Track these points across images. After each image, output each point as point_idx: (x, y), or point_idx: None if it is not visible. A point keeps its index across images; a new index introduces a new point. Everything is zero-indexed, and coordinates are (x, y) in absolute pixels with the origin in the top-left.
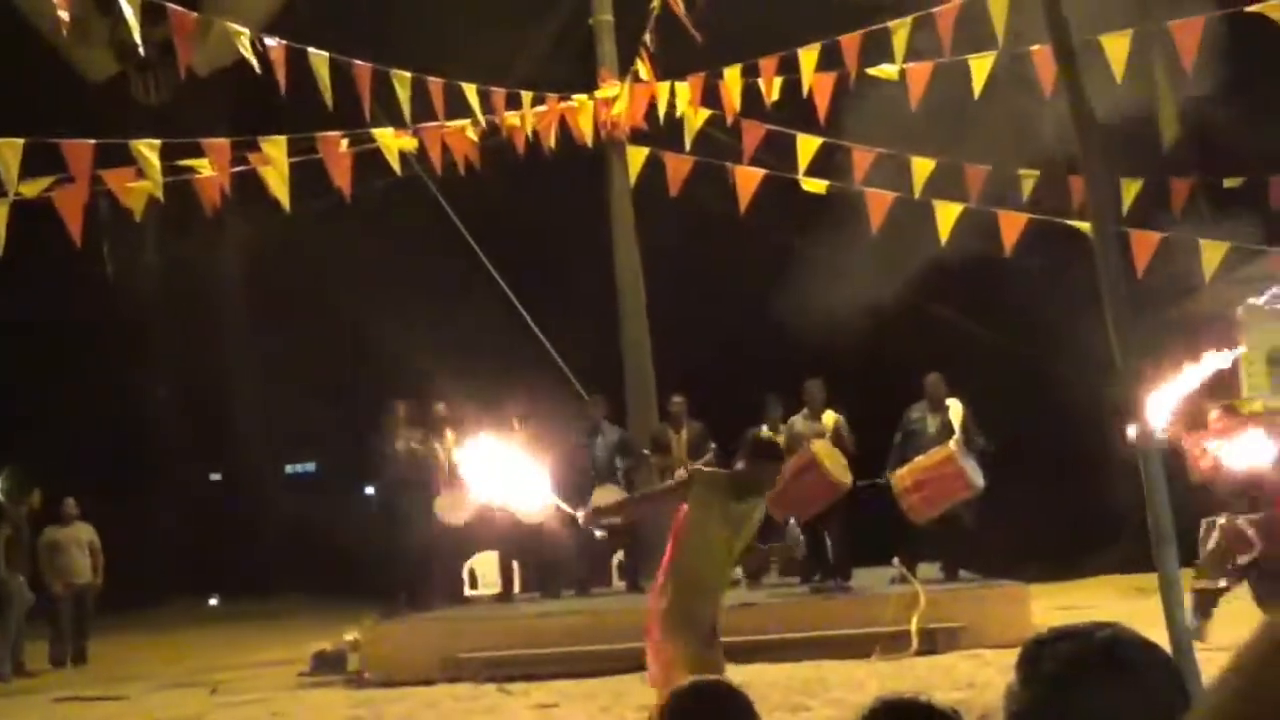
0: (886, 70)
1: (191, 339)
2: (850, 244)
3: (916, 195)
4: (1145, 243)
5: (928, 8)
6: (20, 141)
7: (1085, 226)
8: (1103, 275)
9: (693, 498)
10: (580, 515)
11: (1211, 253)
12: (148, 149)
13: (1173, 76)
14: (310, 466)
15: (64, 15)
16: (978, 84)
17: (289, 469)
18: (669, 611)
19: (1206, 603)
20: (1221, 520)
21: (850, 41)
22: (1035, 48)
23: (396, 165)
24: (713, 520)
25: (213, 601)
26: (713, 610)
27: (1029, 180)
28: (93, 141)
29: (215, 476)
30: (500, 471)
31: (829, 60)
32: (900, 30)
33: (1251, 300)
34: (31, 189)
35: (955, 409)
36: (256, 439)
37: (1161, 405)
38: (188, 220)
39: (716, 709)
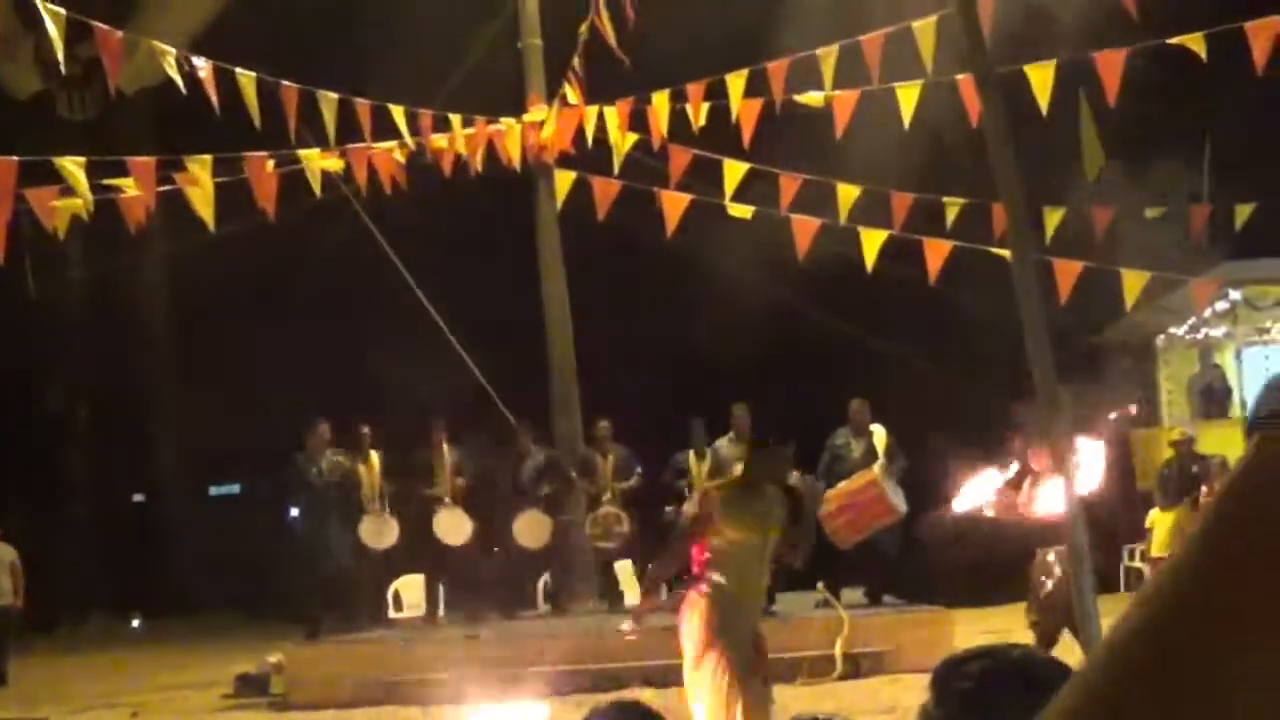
0: (813, 97)
1: (114, 359)
2: (776, 270)
3: (842, 221)
4: (1068, 271)
5: (856, 35)
6: None
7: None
8: (1022, 302)
9: (718, 515)
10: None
11: (1133, 282)
12: (73, 165)
13: (1096, 107)
14: (234, 488)
15: None
16: (906, 112)
17: (213, 490)
18: (709, 625)
19: (1044, 637)
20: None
21: (777, 68)
22: (961, 76)
23: (317, 186)
24: (738, 528)
25: (135, 623)
26: (754, 618)
27: (953, 208)
28: (16, 159)
29: (138, 497)
30: None
31: (756, 86)
32: (828, 58)
33: (1172, 329)
34: None
35: (879, 434)
36: (180, 459)
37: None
38: (111, 238)
39: None
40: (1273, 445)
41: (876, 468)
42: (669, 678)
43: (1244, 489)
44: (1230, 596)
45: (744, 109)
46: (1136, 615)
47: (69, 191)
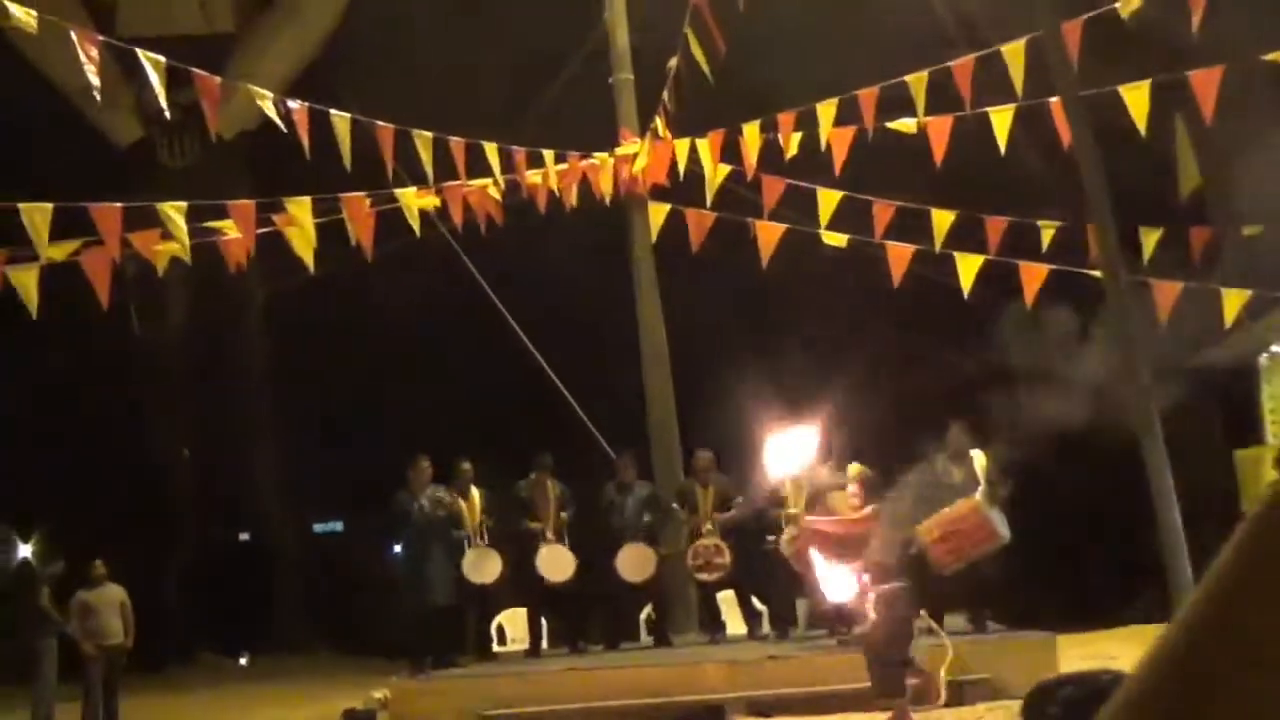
0: (905, 124)
1: (216, 399)
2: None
3: (938, 248)
4: (1167, 292)
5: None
6: (49, 206)
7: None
8: (1117, 324)
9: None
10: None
11: (1233, 301)
12: (174, 211)
13: (1192, 126)
14: (337, 525)
15: (94, 80)
16: (1000, 136)
17: (316, 527)
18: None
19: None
20: None
21: (868, 95)
22: (1054, 100)
23: (416, 225)
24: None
25: (243, 660)
26: None
27: (1048, 231)
28: (120, 205)
29: (244, 536)
30: None
31: (847, 114)
32: (918, 84)
33: (1275, 347)
34: (60, 251)
35: (979, 460)
36: (283, 498)
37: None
38: (213, 281)
39: None
40: None
41: (978, 495)
42: (773, 708)
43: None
44: (1252, 622)
45: (834, 137)
46: (1169, 638)
47: (170, 236)
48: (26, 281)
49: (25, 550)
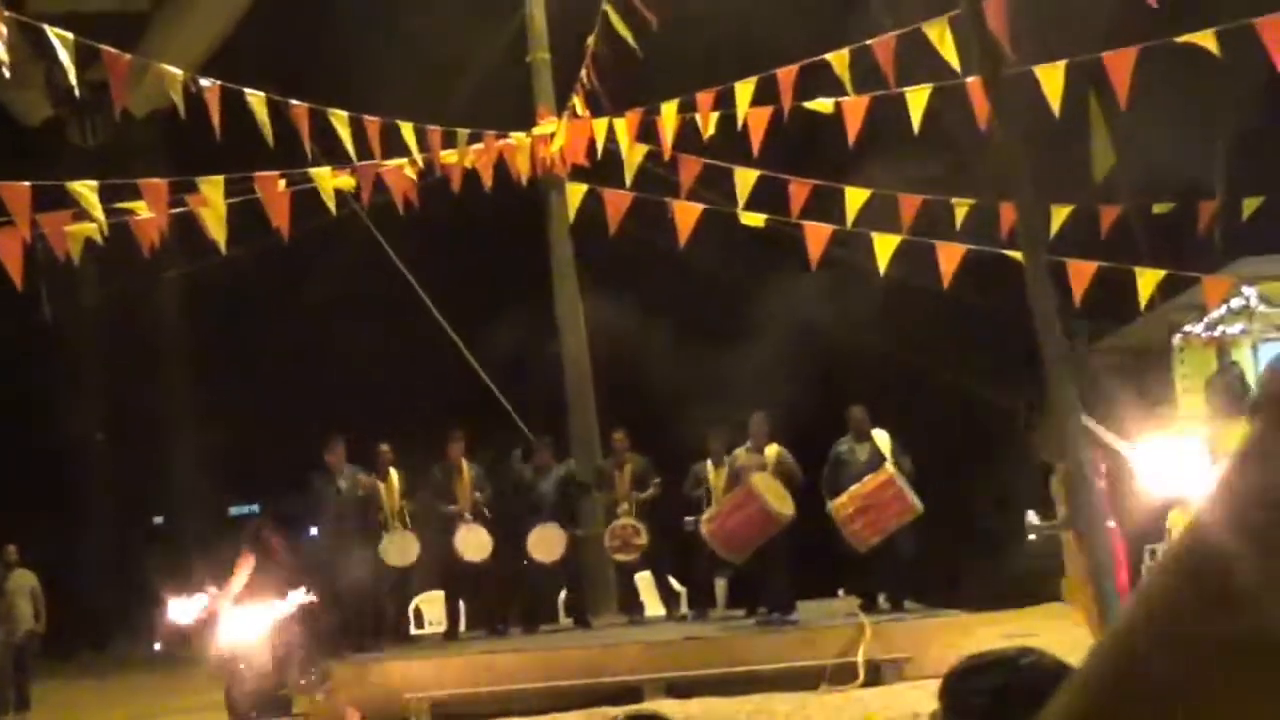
0: (822, 104)
1: (130, 382)
2: (789, 277)
3: (849, 226)
4: (1081, 272)
5: (864, 39)
6: None
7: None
8: (1035, 304)
9: None
10: None
11: (1147, 281)
12: (86, 190)
13: (1106, 106)
14: (254, 507)
15: (2, 58)
16: (915, 116)
17: (232, 510)
18: None
19: None
20: None
21: (786, 75)
22: (971, 79)
23: (332, 204)
24: None
25: (157, 646)
26: None
27: (962, 209)
28: (29, 184)
29: (158, 519)
30: None
31: (765, 94)
32: (837, 63)
33: (1188, 328)
34: None
35: (882, 439)
36: (198, 481)
37: None
38: (125, 262)
39: None
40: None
41: (889, 466)
42: (691, 688)
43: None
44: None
45: (752, 116)
46: (1124, 617)
47: (82, 216)
48: None
49: None
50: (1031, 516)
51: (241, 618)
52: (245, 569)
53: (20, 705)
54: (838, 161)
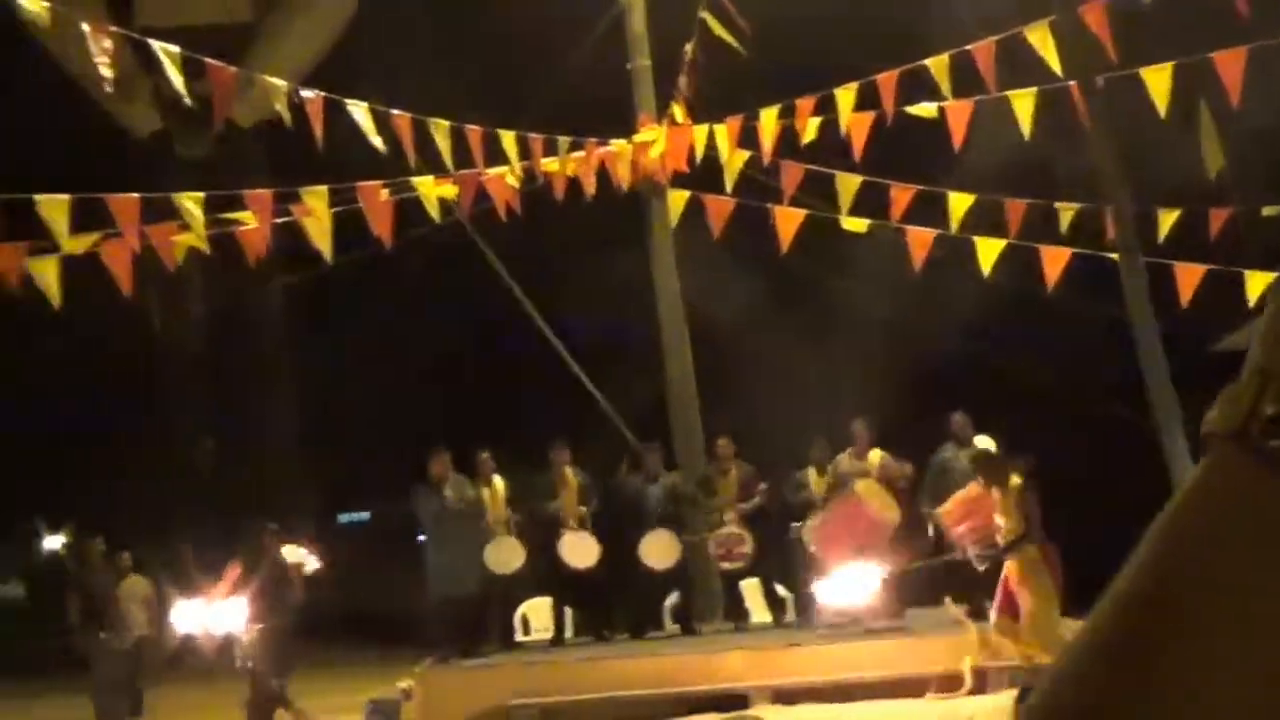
0: (926, 109)
1: (238, 390)
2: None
3: (954, 231)
4: (1190, 275)
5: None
6: (67, 198)
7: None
8: (1131, 307)
9: None
10: None
11: (1256, 284)
12: (191, 202)
13: (1216, 108)
14: (364, 515)
15: (108, 73)
16: (1024, 120)
17: (342, 518)
18: None
19: None
20: None
21: (888, 80)
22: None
23: (436, 213)
24: None
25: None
26: None
27: (1068, 214)
28: (137, 196)
29: (272, 526)
30: None
31: (867, 99)
32: (939, 68)
33: None
34: (80, 244)
35: (986, 445)
36: (309, 488)
37: None
38: (233, 271)
39: None
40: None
41: None
42: (797, 696)
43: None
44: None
45: (854, 122)
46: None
47: (189, 227)
48: (47, 272)
49: (55, 541)
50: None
51: (224, 622)
52: (232, 576)
53: (134, 711)
54: (939, 165)
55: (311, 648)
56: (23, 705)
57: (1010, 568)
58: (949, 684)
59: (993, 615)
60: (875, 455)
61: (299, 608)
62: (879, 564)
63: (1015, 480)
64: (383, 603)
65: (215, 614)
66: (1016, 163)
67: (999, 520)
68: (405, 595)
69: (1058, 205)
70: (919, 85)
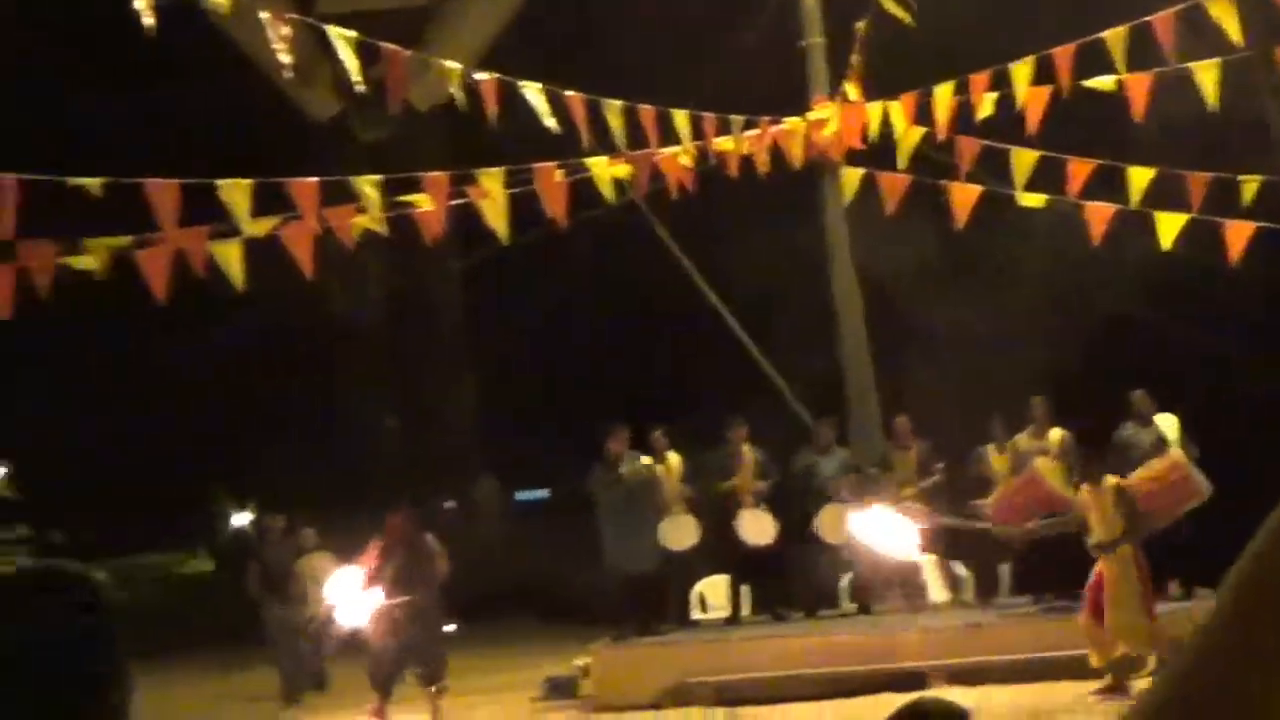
0: (1103, 82)
1: (418, 369)
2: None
3: (1134, 205)
4: None
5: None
6: (248, 182)
7: None
8: None
9: None
10: None
11: None
12: (368, 185)
13: None
14: (542, 493)
15: (286, 59)
16: (1210, 92)
17: (519, 495)
18: None
19: None
20: None
21: (1064, 54)
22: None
23: (610, 193)
24: None
25: (449, 628)
26: None
27: (1250, 186)
28: (316, 180)
29: (449, 504)
30: None
31: (1042, 74)
32: (1116, 41)
33: None
34: (261, 227)
35: (1168, 423)
36: (487, 466)
37: None
38: (410, 253)
39: None
40: None
41: (1176, 450)
42: (975, 676)
43: None
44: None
45: (1030, 96)
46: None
47: (366, 210)
48: (230, 255)
49: (242, 519)
50: None
51: (364, 602)
52: (374, 555)
53: (316, 685)
54: (1118, 139)
55: (488, 625)
56: (214, 676)
57: (1104, 568)
58: (1131, 665)
59: (1081, 616)
60: (1055, 434)
61: (441, 587)
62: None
63: (1110, 480)
64: (560, 580)
65: (353, 592)
66: (1196, 135)
67: (1091, 521)
68: (582, 572)
69: (1240, 178)
70: (1096, 58)
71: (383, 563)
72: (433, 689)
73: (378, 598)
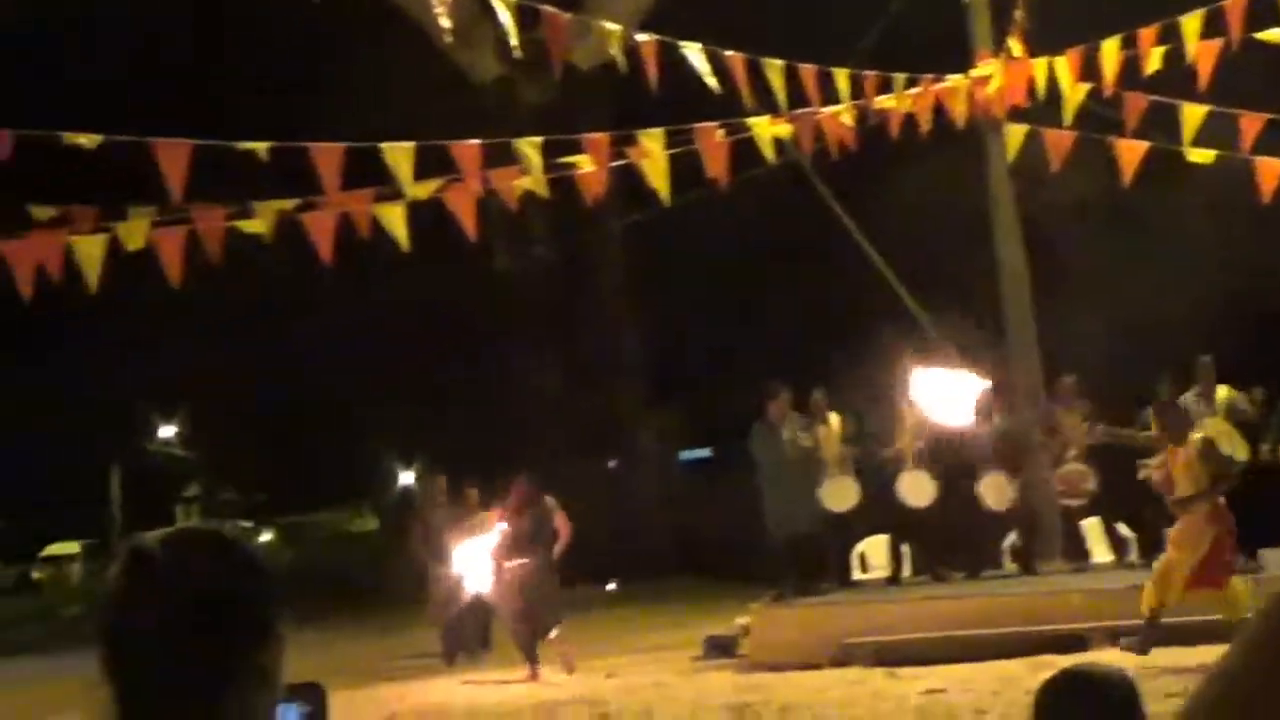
0: (1275, 34)
1: (581, 329)
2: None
3: None
4: None
5: None
6: (411, 145)
7: None
8: None
9: None
10: None
11: None
12: (530, 147)
13: None
14: (705, 452)
15: (446, 23)
16: None
17: (683, 455)
18: None
19: None
20: None
21: (1235, 5)
22: None
23: (770, 153)
24: None
25: (610, 586)
26: None
27: None
28: (478, 142)
29: (612, 464)
30: None
31: (1213, 26)
32: None
33: None
34: (424, 189)
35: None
36: (651, 426)
37: None
38: (571, 214)
39: (1097, 697)
40: None
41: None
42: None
43: None
44: None
45: (1200, 50)
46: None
47: (527, 171)
48: (394, 217)
49: (408, 478)
50: None
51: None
52: (497, 522)
53: (483, 644)
54: None
55: (650, 583)
56: (377, 634)
57: (1183, 523)
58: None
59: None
60: (1223, 392)
61: (560, 552)
62: None
63: (1195, 437)
64: (722, 540)
65: (480, 556)
66: None
67: (1175, 476)
68: (744, 532)
69: None
70: (1268, 9)
71: (513, 526)
72: (550, 637)
73: (503, 560)
